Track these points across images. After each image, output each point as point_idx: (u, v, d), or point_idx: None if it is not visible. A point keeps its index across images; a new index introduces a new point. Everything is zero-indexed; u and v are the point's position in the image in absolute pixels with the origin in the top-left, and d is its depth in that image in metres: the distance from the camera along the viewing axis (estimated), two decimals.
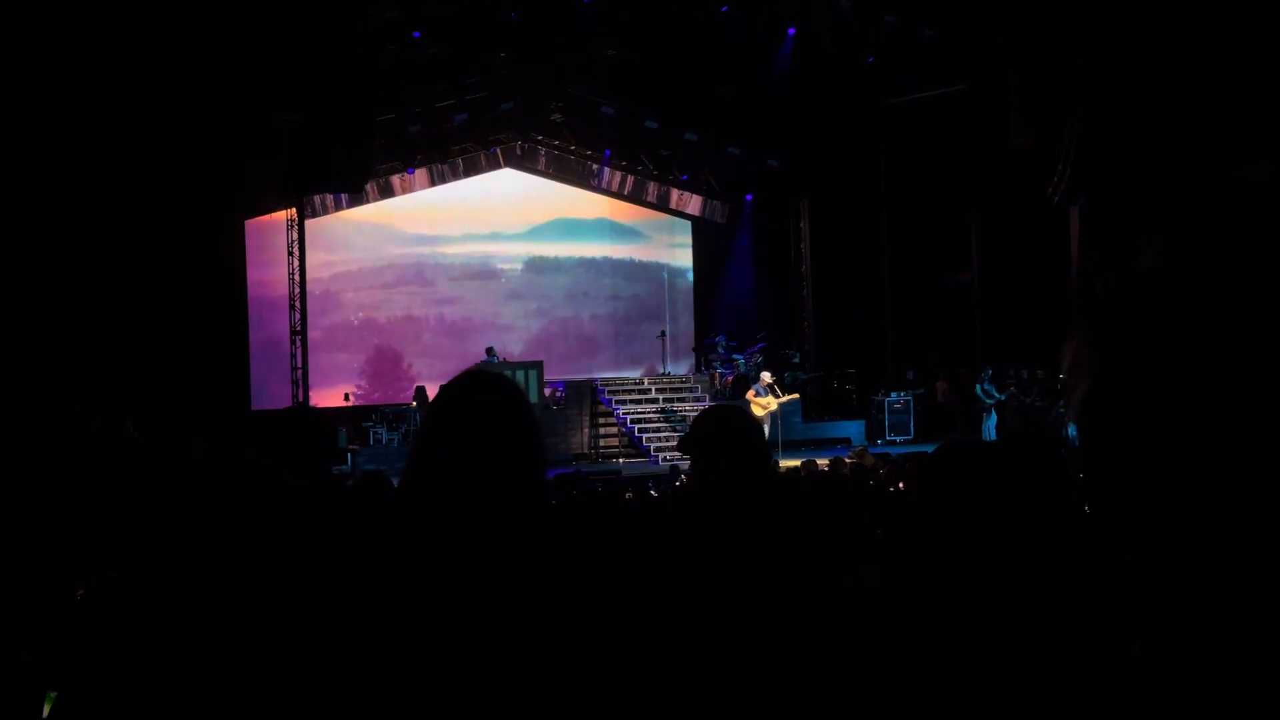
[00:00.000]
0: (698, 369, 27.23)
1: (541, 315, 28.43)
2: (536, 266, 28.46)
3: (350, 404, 24.87)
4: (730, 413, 4.14)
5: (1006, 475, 2.71)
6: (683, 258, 29.91)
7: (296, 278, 24.07)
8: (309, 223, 24.52)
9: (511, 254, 28.27)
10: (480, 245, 27.89)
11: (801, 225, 27.82)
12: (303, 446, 3.52)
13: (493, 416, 2.85)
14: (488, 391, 2.92)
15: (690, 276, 29.93)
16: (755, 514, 2.97)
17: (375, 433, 22.81)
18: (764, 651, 2.78)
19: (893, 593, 2.77)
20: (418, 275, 27.56)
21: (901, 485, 9.18)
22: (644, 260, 29.47)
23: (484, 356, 24.48)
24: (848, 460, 14.62)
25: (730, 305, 28.66)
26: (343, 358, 26.06)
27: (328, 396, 24.60)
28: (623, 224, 29.12)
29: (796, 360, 26.14)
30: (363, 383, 26.25)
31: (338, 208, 26.07)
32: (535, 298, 28.45)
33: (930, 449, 3.14)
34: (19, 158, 17.27)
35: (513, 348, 26.83)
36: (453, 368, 25.66)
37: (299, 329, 24.08)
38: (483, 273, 28.00)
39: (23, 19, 16.84)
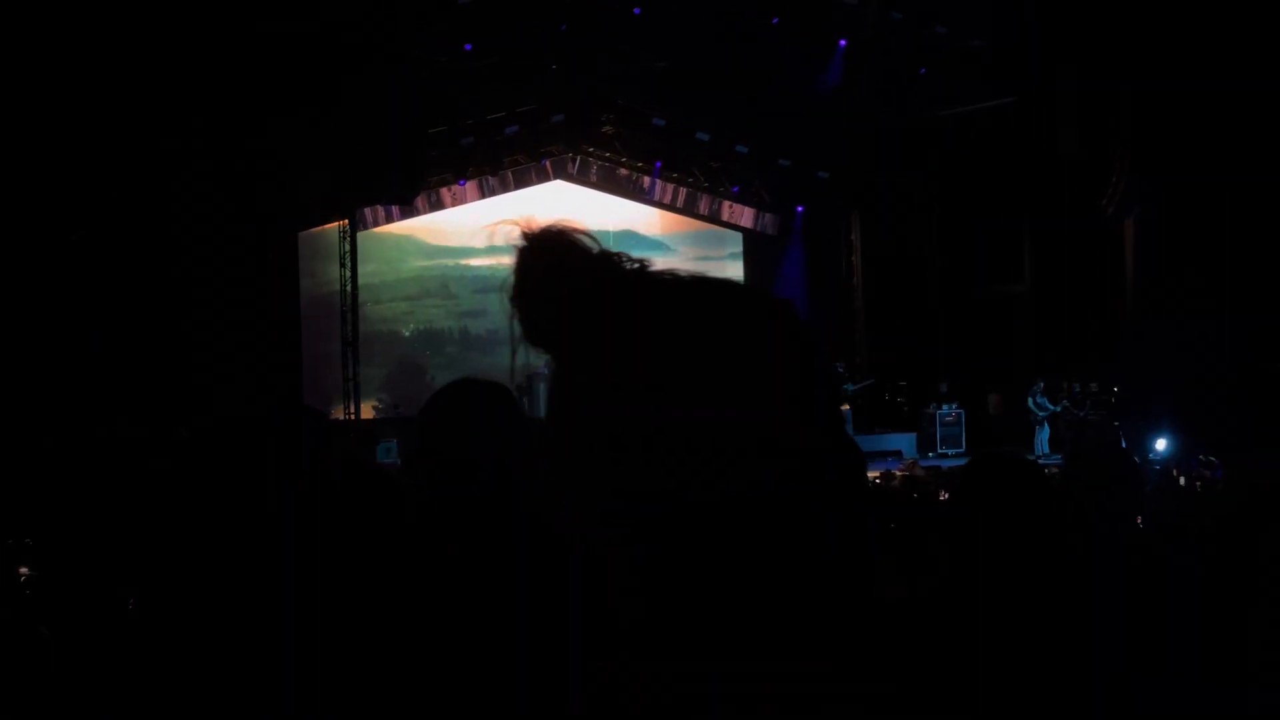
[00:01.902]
0: None
1: None
2: None
3: (373, 416, 24.77)
4: None
5: (1036, 488, 2.70)
6: (722, 269, 29.72)
7: (349, 289, 24.23)
8: (319, 237, 24.41)
9: None
10: (505, 258, 27.70)
11: (852, 237, 27.73)
12: (302, 448, 3.51)
13: (467, 424, 2.86)
14: (464, 398, 2.93)
15: None
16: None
17: None
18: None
19: (932, 604, 2.77)
20: (441, 288, 27.47)
21: (944, 496, 9.15)
22: None
23: (489, 368, 24.44)
24: (898, 473, 14.55)
25: None
26: (364, 371, 25.43)
27: (334, 411, 24.43)
28: (648, 236, 28.93)
29: (841, 369, 25.99)
30: (385, 395, 26.03)
31: (389, 219, 26.17)
32: None
33: None
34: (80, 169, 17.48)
35: (536, 361, 26.66)
36: None
37: (350, 340, 24.22)
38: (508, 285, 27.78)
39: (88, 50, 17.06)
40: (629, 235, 28.76)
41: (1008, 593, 2.58)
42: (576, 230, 1.35)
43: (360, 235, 25.47)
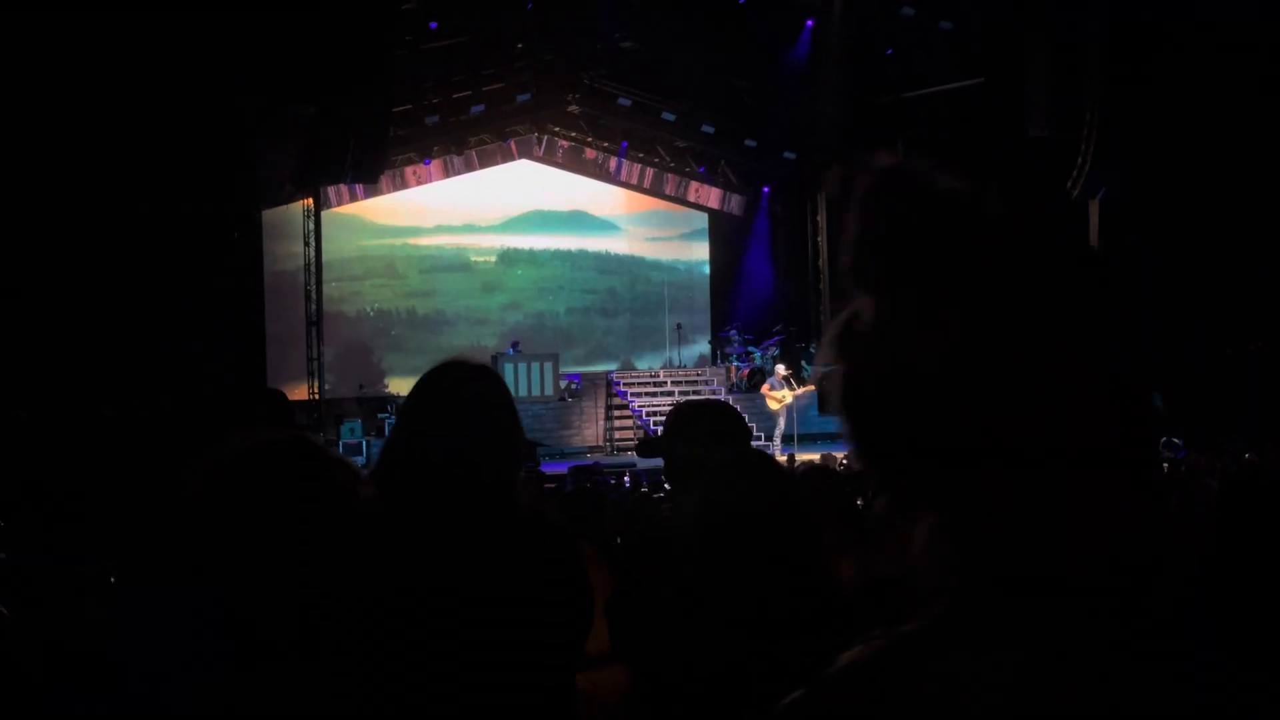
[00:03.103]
0: (713, 361, 27.17)
1: (515, 308, 28.04)
2: (510, 259, 28.09)
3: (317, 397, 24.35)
4: (705, 405, 4.11)
5: None
6: (674, 251, 29.61)
7: (312, 268, 24.11)
8: (270, 214, 24.00)
9: (485, 246, 27.86)
10: (453, 237, 27.55)
11: (818, 218, 27.76)
12: (260, 425, 3.47)
13: (462, 405, 2.84)
14: (458, 380, 2.91)
15: (707, 270, 29.78)
16: (748, 505, 2.95)
17: (389, 423, 22.78)
18: (764, 641, 2.76)
19: (899, 582, 2.75)
20: (388, 268, 27.13)
21: None
22: (620, 254, 29.17)
23: (436, 349, 24.49)
24: None
25: (746, 298, 28.55)
26: (298, 352, 24.63)
27: (296, 390, 24.01)
28: (598, 217, 28.84)
29: (814, 350, 26.06)
30: (331, 377, 25.36)
31: (353, 199, 25.99)
32: (509, 290, 28.07)
33: None
34: (38, 147, 17.32)
35: (486, 341, 26.54)
36: (424, 362, 25.17)
37: (315, 319, 24.11)
38: (456, 265, 27.66)
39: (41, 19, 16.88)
40: (579, 214, 28.64)
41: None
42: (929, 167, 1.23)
43: (295, 215, 25.00)
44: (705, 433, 3.72)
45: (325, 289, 25.29)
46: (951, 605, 1.13)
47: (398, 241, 27.11)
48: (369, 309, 26.97)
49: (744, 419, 4.16)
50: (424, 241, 27.25)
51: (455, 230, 27.45)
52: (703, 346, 28.35)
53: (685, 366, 26.41)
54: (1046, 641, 1.08)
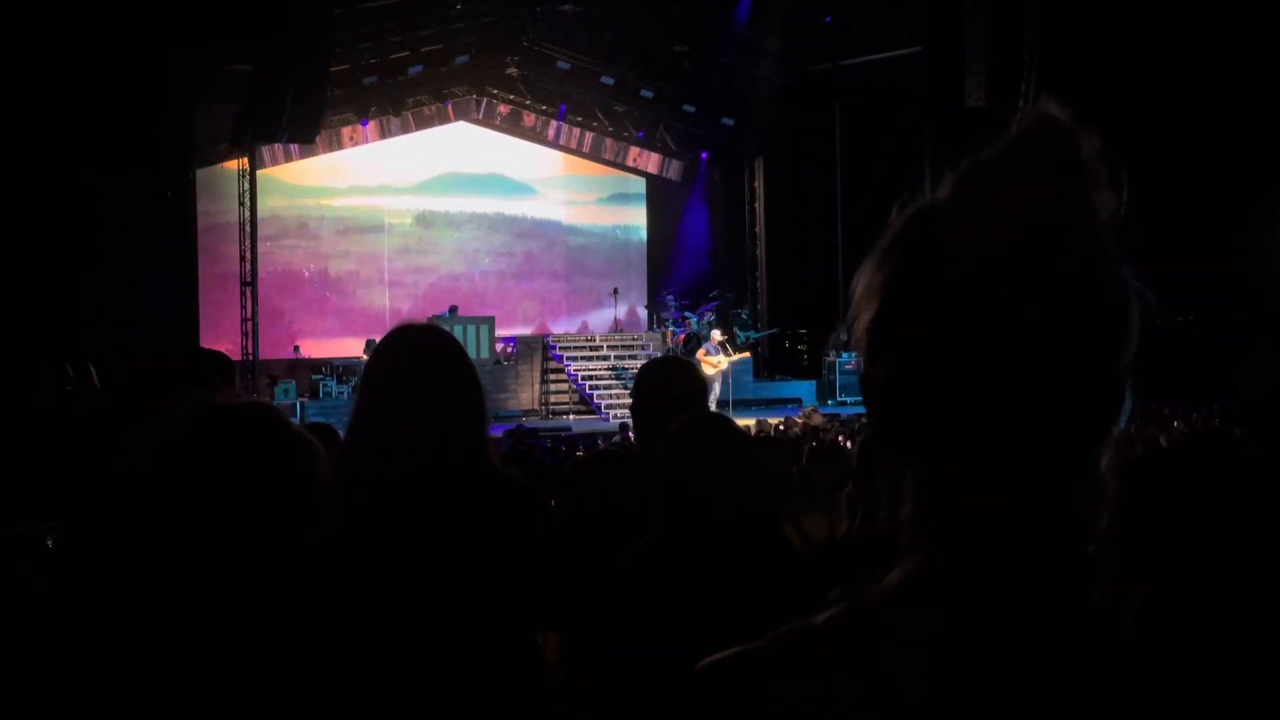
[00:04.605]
0: (650, 326, 27.20)
1: (430, 271, 27.87)
2: (426, 221, 27.91)
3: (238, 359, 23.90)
4: (674, 363, 4.14)
5: None
6: (592, 216, 29.58)
7: (247, 228, 23.86)
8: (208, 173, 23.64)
9: (400, 208, 27.66)
10: (367, 199, 27.28)
11: (755, 184, 27.79)
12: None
13: (429, 372, 2.84)
14: (420, 346, 2.90)
15: (643, 234, 29.76)
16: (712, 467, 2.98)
17: (324, 385, 22.69)
18: (722, 602, 2.80)
19: (841, 546, 2.79)
20: (300, 229, 26.83)
21: (848, 443, 9.25)
22: (546, 218, 29.06)
23: (348, 312, 24.38)
24: (798, 420, 14.76)
25: (683, 263, 28.57)
26: (215, 312, 24.15)
27: (226, 351, 23.56)
28: (525, 181, 28.72)
29: (746, 316, 26.14)
30: (240, 339, 24.42)
31: (288, 158, 25.74)
32: (424, 253, 27.89)
33: None
34: None
35: (400, 304, 26.38)
36: (337, 324, 24.75)
37: (249, 280, 23.87)
38: (370, 227, 27.40)
39: None
40: (506, 178, 28.49)
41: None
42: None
43: (218, 174, 24.66)
44: (670, 391, 3.75)
45: (236, 248, 24.54)
46: (919, 570, 1.10)
47: (311, 202, 26.86)
48: (281, 270, 26.67)
49: (704, 380, 4.21)
50: (337, 203, 27.03)
51: (372, 191, 27.21)
52: (618, 311, 28.11)
53: (597, 333, 26.41)
54: (995, 613, 1.05)
